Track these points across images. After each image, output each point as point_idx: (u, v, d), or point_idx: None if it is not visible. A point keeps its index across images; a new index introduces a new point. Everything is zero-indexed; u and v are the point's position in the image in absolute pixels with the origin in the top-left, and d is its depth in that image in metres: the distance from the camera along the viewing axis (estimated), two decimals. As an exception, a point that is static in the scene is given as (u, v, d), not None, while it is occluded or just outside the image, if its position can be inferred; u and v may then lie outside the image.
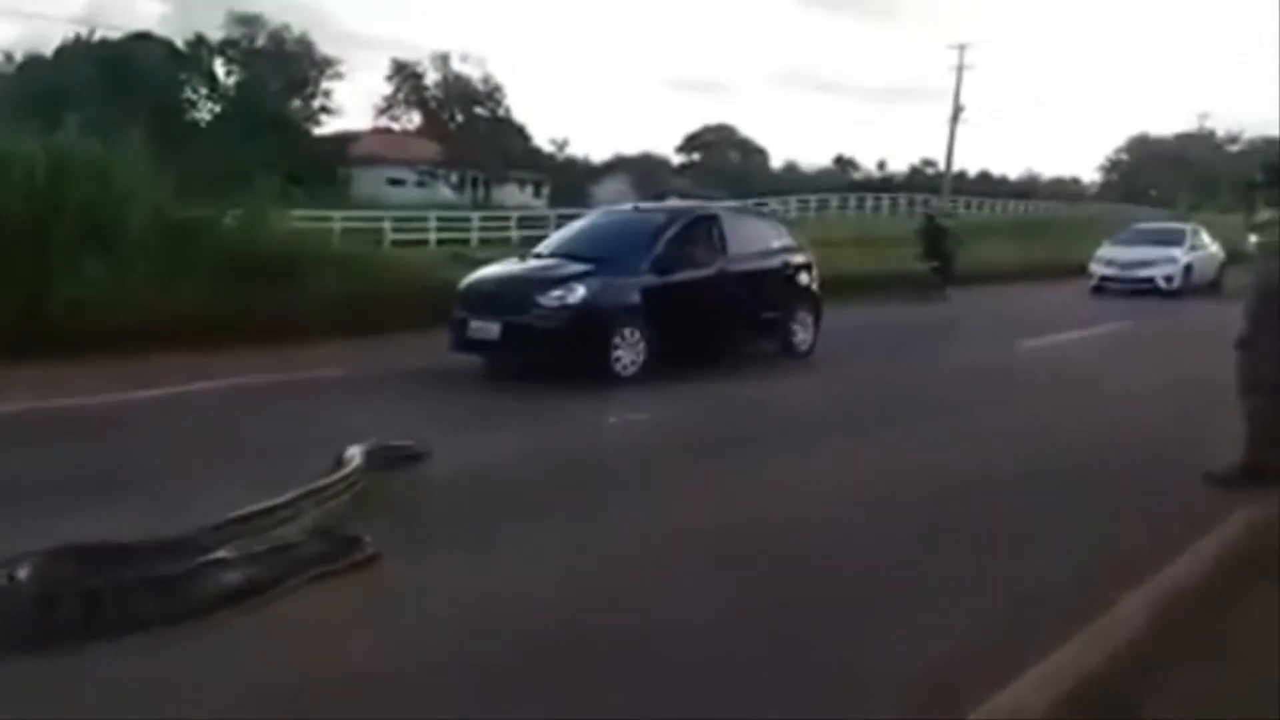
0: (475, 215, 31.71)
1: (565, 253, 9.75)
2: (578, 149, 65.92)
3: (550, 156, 59.54)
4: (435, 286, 12.15)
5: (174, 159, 12.37)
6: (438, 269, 13.41)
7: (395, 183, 47.86)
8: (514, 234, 30.86)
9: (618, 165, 61.71)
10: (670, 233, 9.64)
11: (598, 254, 9.35)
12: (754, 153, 71.70)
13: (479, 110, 53.41)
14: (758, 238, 10.66)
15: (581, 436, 6.87)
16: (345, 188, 44.67)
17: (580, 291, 8.79)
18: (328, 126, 51.09)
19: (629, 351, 8.85)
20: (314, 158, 44.82)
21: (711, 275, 9.74)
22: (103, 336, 8.74)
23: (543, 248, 10.53)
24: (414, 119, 55.13)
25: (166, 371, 8.03)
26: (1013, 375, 9.97)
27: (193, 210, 11.10)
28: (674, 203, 13.45)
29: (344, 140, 49.96)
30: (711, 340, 10.00)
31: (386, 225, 28.12)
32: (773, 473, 5.70)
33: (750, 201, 29.34)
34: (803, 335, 10.69)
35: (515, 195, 51.30)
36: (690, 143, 71.83)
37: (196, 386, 7.68)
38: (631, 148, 71.15)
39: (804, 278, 10.90)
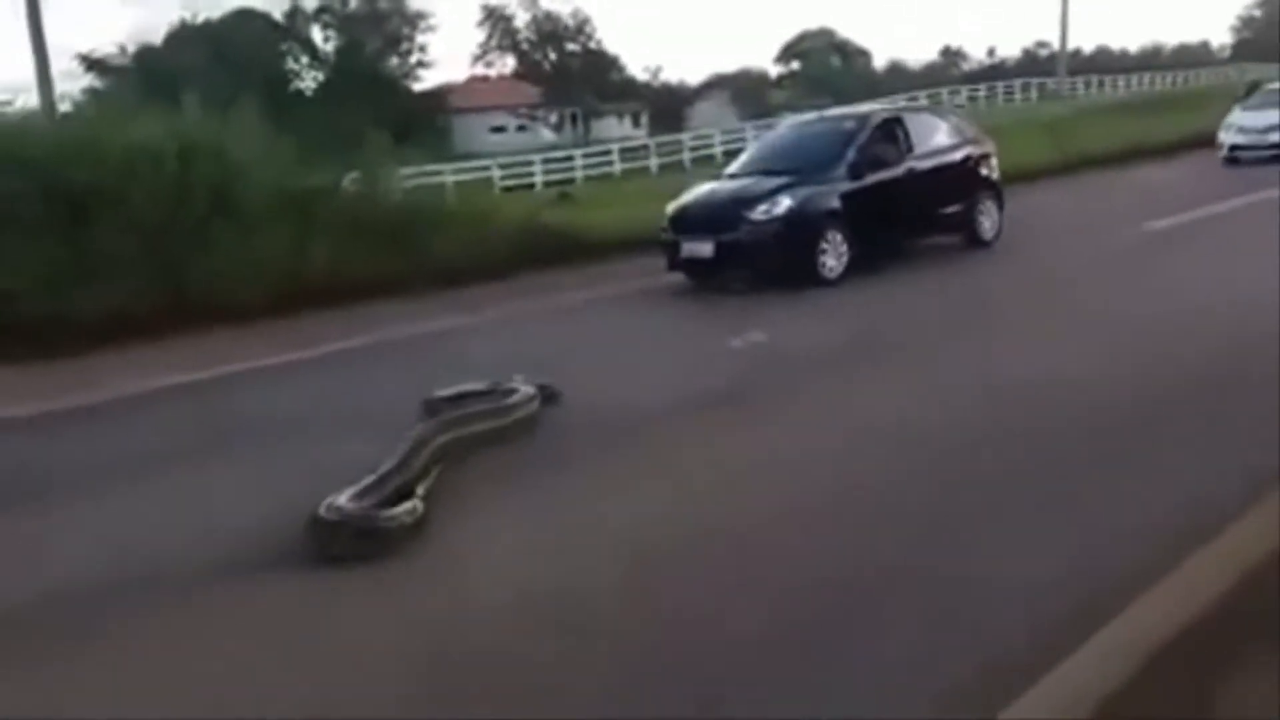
0: (578, 154, 31.88)
1: (759, 169, 10.37)
2: (673, 74, 65.12)
3: (646, 84, 58.99)
4: (535, 234, 12.71)
5: (284, 129, 12.87)
6: (536, 217, 13.72)
7: (497, 130, 48.38)
8: (617, 167, 30.99)
9: (715, 85, 60.72)
10: (861, 138, 10.13)
11: (792, 166, 9.96)
12: (856, 55, 69.25)
13: (570, 47, 53.28)
14: (939, 133, 11.08)
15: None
16: (448, 140, 45.38)
17: (786, 203, 9.41)
18: (426, 81, 51.75)
19: (833, 255, 9.43)
20: (416, 113, 45.58)
21: (901, 174, 10.21)
22: (245, 306, 9.39)
23: (735, 166, 11.23)
24: (509, 63, 55.42)
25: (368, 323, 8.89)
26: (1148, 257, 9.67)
27: (310, 178, 11.59)
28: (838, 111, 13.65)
29: (443, 93, 50.57)
30: (905, 236, 10.53)
31: (495, 173, 28.62)
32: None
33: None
34: (988, 225, 11.03)
35: (614, 128, 51.15)
36: (788, 52, 69.85)
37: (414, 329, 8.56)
38: (729, 65, 69.70)
39: (985, 169, 11.23)
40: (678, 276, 10.01)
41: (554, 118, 50.66)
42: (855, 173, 9.85)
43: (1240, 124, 18.06)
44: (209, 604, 3.44)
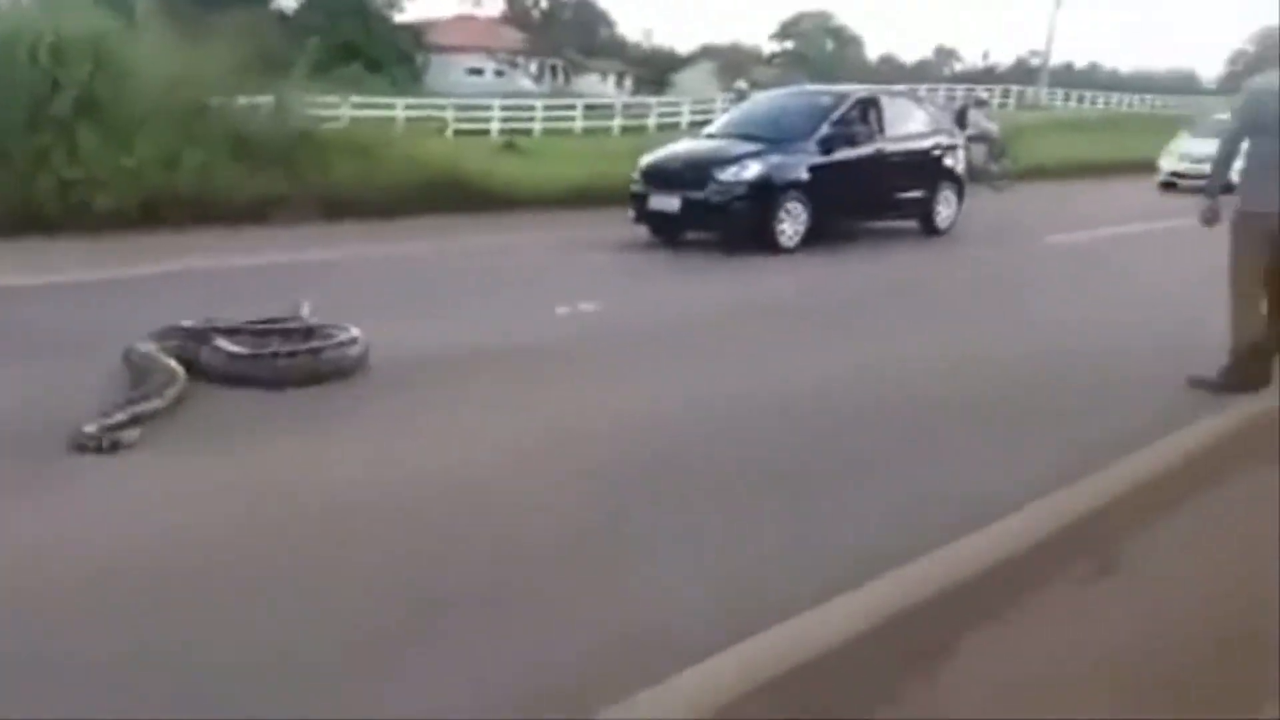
0: (539, 104, 31.24)
1: (738, 133, 10.57)
2: (666, 39, 64.31)
3: (636, 46, 58.20)
4: (451, 178, 12.34)
5: (253, 45, 12.43)
6: (460, 161, 13.28)
7: (474, 72, 47.48)
8: (579, 123, 30.43)
9: (705, 55, 59.99)
10: (836, 114, 10.41)
11: (768, 133, 10.20)
12: (849, 42, 68.78)
13: (562, -3, 52.32)
14: (912, 120, 11.38)
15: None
16: (422, 76, 44.52)
17: (755, 167, 9.65)
18: (409, 14, 50.62)
19: (792, 224, 9.67)
20: (392, 45, 44.67)
21: (869, 154, 10.50)
22: (94, 216, 9.01)
23: (714, 128, 11.59)
24: (497, 5, 54.33)
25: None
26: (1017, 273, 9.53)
27: (208, 95, 11.16)
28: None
29: (425, 28, 49.51)
30: (865, 215, 10.90)
31: (449, 114, 27.95)
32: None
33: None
34: (945, 214, 11.36)
35: (596, 85, 50.35)
36: (784, 30, 69.17)
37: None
38: (723, 38, 68.96)
39: (950, 160, 11.54)
40: (574, 233, 10.24)
41: (534, 67, 49.79)
42: (825, 147, 10.09)
43: (1182, 151, 17.98)
44: None
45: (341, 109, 18.19)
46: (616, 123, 30.57)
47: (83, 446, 3.73)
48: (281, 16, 46.27)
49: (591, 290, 7.40)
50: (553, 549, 3.09)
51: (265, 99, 12.00)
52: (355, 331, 5.11)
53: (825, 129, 10.19)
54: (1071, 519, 3.23)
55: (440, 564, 2.97)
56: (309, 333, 5.29)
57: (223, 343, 4.87)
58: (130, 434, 3.85)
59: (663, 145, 11.50)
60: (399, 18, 48.95)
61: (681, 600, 2.76)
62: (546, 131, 28.91)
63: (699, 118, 31.37)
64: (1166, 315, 6.66)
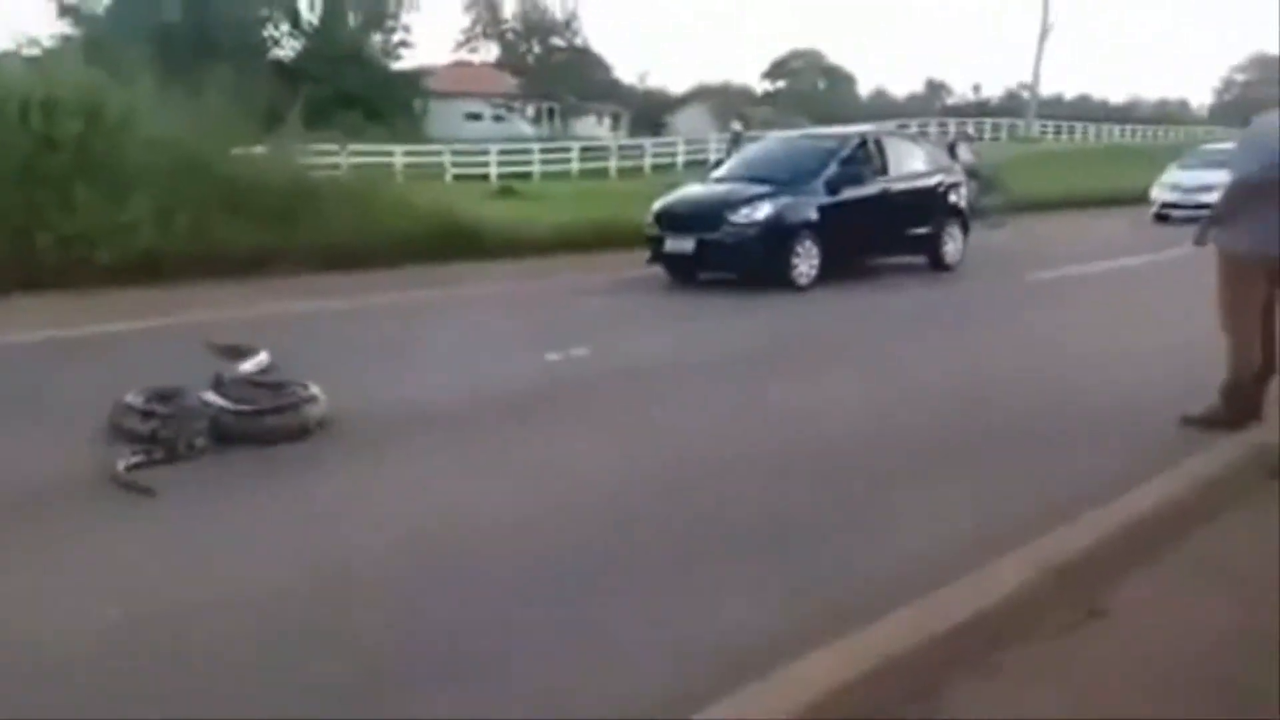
0: (536, 148, 31.55)
1: (745, 176, 10.97)
2: (660, 80, 64.99)
3: (631, 88, 58.71)
4: (448, 225, 12.41)
5: (253, 96, 12.56)
6: (454, 207, 13.36)
7: (472, 117, 47.88)
8: (575, 165, 30.69)
9: (698, 95, 60.58)
10: (841, 155, 10.82)
11: (775, 176, 10.58)
12: (841, 79, 69.49)
13: (556, 41, 52.85)
14: (915, 158, 11.84)
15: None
16: (421, 122, 44.91)
17: (766, 209, 10.02)
18: (406, 61, 51.19)
19: (806, 262, 10.01)
20: (391, 92, 45.12)
21: (875, 193, 10.84)
22: (93, 271, 9.07)
23: (723, 171, 12.01)
24: (493, 51, 54.98)
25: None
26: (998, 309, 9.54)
27: (204, 148, 11.23)
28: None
29: (422, 74, 50.07)
30: (875, 253, 11.26)
31: (447, 160, 28.22)
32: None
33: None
34: (953, 249, 11.68)
35: (593, 127, 50.84)
36: (776, 69, 69.93)
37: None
38: (715, 77, 69.62)
39: (954, 196, 11.91)
40: (580, 279, 10.59)
41: (531, 110, 50.24)
42: (832, 188, 10.43)
43: (1174, 182, 18.10)
44: None
45: (340, 157, 18.38)
46: (613, 164, 30.88)
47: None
48: (279, 66, 46.81)
49: (586, 335, 7.42)
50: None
51: (261, 150, 12.16)
52: (313, 390, 4.97)
53: (832, 170, 10.55)
54: (1060, 562, 3.21)
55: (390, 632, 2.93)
56: (270, 389, 5.17)
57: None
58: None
59: (658, 186, 11.77)
60: (396, 65, 49.53)
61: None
62: (544, 175, 29.21)
63: (693, 158, 31.64)
64: (1162, 351, 6.64)
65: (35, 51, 26.13)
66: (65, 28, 43.36)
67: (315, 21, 51.00)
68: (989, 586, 2.95)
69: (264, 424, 4.71)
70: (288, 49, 50.70)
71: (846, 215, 10.35)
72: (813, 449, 4.69)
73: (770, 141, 13.14)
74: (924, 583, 2.95)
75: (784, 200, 10.14)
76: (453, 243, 12.21)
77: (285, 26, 50.82)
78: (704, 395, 5.87)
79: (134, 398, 4.81)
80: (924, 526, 3.66)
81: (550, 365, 6.56)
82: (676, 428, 5.13)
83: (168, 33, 37.87)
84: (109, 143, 9.80)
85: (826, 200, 10.34)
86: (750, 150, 12.89)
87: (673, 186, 12.30)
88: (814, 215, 10.22)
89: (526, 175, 28.41)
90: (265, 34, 49.65)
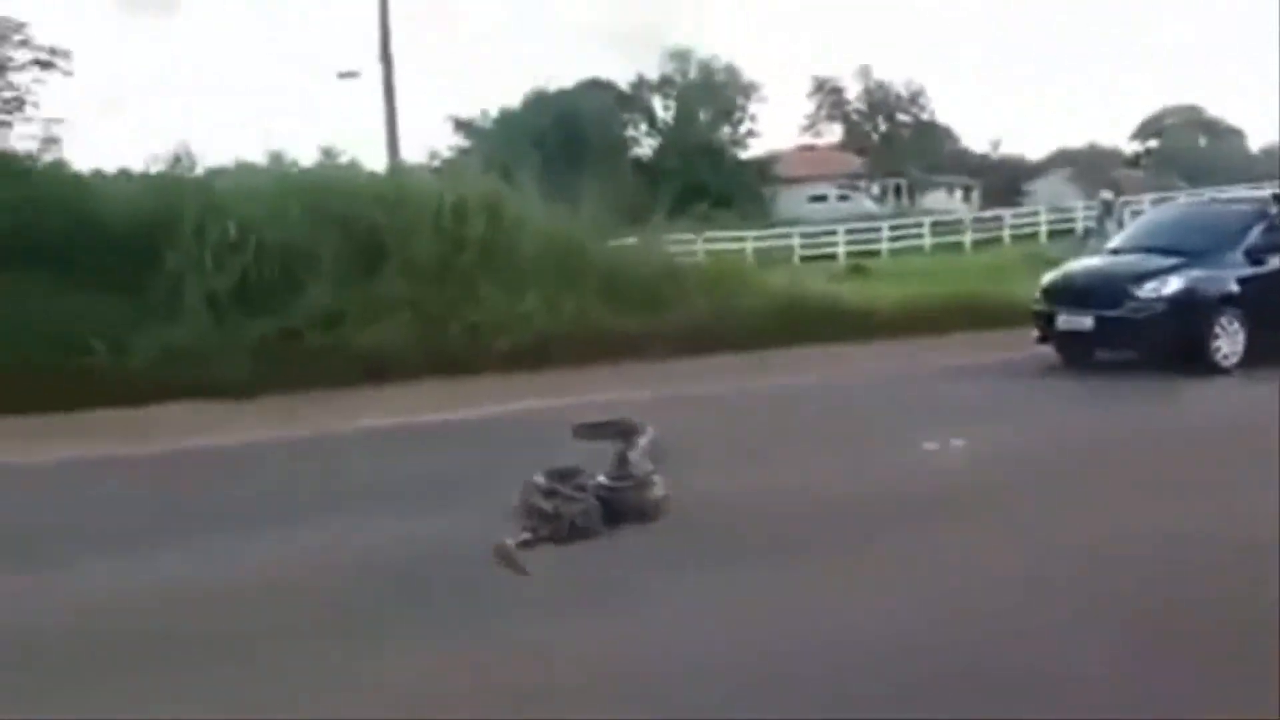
0: (885, 225, 31.21)
1: (1144, 246, 10.41)
2: (1014, 146, 62.23)
3: (983, 157, 56.73)
4: (798, 305, 12.43)
5: (616, 192, 13.72)
6: (806, 288, 13.42)
7: (817, 199, 48.46)
8: (927, 240, 30.00)
9: (1058, 160, 57.21)
10: (1264, 222, 9.88)
11: (1181, 246, 9.86)
12: (1227, 134, 62.59)
13: (902, 117, 52.51)
14: None
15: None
16: (769, 207, 46.12)
17: (1176, 283, 9.33)
18: (753, 149, 53.04)
19: (1228, 342, 9.25)
20: (740, 180, 46.84)
21: None
22: (491, 357, 10.01)
23: (1118, 243, 11.36)
24: (837, 132, 55.55)
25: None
26: None
27: (580, 240, 12.12)
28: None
29: (767, 161, 51.60)
30: None
31: (795, 242, 28.64)
32: None
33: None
34: None
35: (943, 201, 49.56)
36: (1146, 128, 64.41)
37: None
38: (1075, 140, 65.29)
39: None
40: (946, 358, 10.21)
41: (876, 188, 50.00)
42: (1255, 257, 9.59)
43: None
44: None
45: (696, 244, 19.21)
46: (968, 238, 29.82)
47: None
48: (639, 163, 50.31)
49: (964, 422, 7.02)
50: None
51: (630, 241, 12.95)
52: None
53: (1253, 238, 9.67)
54: None
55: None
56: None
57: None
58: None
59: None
60: (745, 154, 51.45)
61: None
62: (893, 251, 28.79)
63: (1058, 227, 29.81)
64: None
65: (437, 163, 30.28)
66: (460, 140, 49.55)
67: (670, 120, 54.47)
68: None
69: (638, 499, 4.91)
70: (646, 147, 54.48)
71: (1277, 288, 9.40)
72: None
73: (1171, 208, 12.77)
74: None
75: (1196, 273, 9.41)
76: (805, 323, 12.15)
77: (643, 127, 54.69)
78: (1114, 489, 5.29)
79: (540, 477, 5.15)
80: None
81: (926, 455, 6.25)
82: (1088, 529, 4.64)
83: (544, 139, 42.08)
84: (507, 240, 10.86)
85: (1249, 272, 9.49)
86: (1149, 218, 12.32)
87: (1036, 258, 11.62)
88: (1234, 288, 9.41)
89: (875, 253, 28.17)
90: (626, 134, 53.67)
